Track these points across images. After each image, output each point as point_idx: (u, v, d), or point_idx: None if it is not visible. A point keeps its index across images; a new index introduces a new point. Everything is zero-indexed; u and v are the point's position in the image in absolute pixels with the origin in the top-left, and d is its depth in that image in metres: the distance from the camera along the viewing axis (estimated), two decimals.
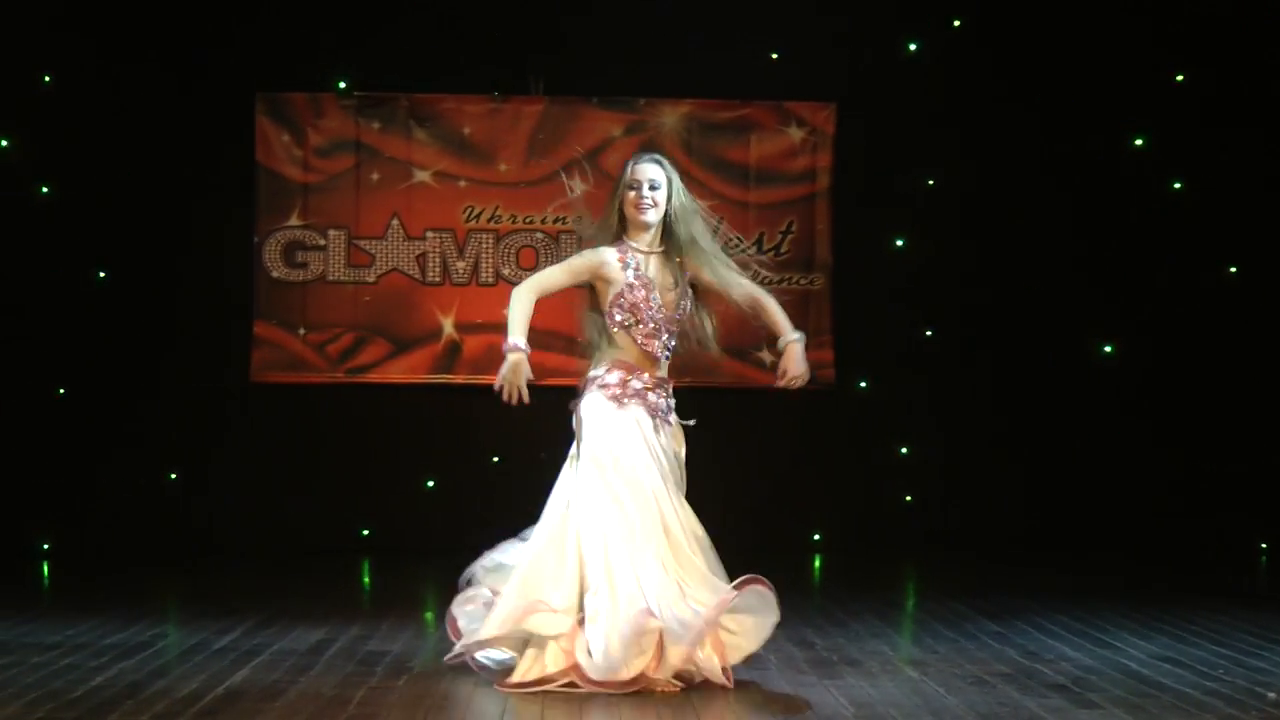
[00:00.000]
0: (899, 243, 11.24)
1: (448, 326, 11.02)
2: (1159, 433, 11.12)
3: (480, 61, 11.00)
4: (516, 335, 6.19)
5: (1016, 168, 11.08)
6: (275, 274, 10.99)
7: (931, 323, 11.22)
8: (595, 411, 6.26)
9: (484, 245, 11.09)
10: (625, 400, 6.27)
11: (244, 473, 10.93)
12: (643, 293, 6.28)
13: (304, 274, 11.01)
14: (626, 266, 6.30)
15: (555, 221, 11.06)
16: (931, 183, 11.17)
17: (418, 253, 11.05)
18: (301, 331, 10.99)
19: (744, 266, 10.85)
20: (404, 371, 11.01)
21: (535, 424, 10.90)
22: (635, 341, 6.32)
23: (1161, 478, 11.05)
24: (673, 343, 6.38)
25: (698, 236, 6.32)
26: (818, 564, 10.67)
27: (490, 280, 11.05)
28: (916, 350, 11.22)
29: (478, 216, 11.07)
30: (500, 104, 11.08)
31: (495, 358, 10.57)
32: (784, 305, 10.74)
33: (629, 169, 6.34)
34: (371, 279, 11.04)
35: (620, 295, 6.29)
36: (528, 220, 11.10)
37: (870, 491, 11.19)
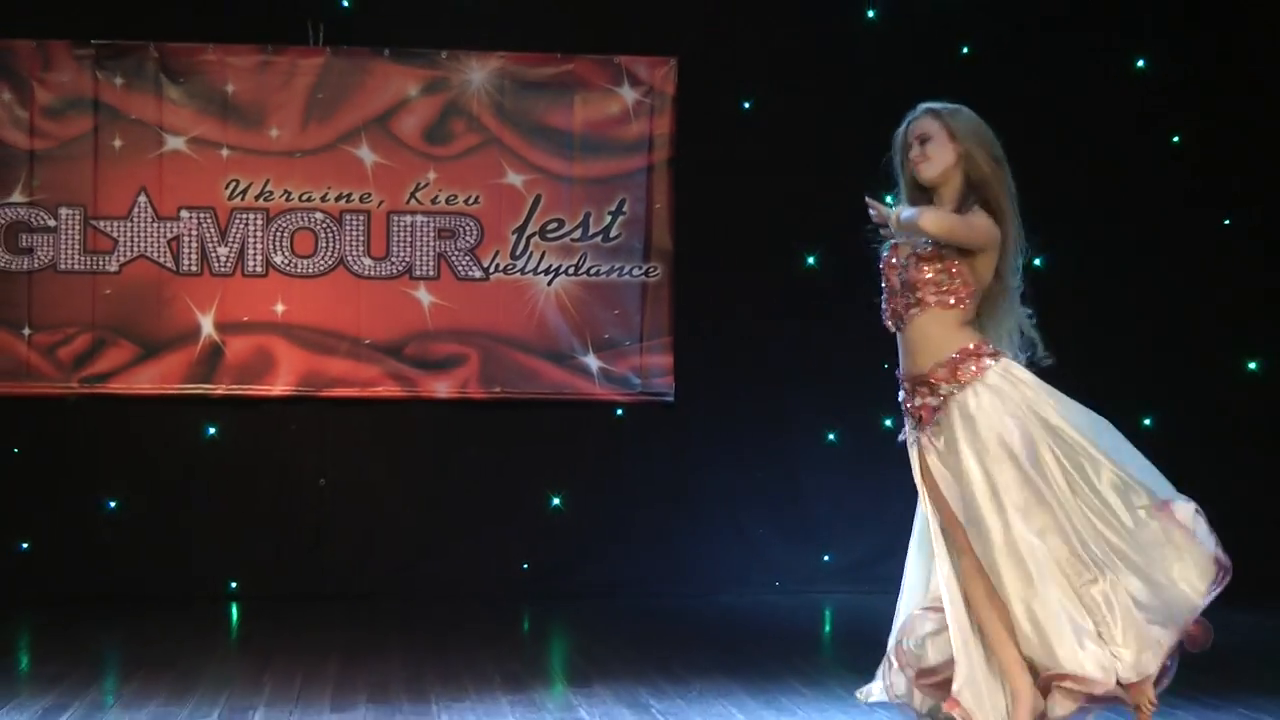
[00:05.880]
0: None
1: (207, 326, 11.22)
2: None
3: (248, 4, 11.28)
4: None
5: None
6: None
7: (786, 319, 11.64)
8: None
9: (251, 227, 11.29)
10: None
11: None
12: (885, 254, 6.46)
13: (30, 261, 11.16)
14: None
15: (338, 199, 11.33)
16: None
17: (170, 236, 11.24)
18: (26, 332, 11.14)
19: (569, 252, 11.09)
20: (153, 381, 11.21)
21: (311, 444, 11.31)
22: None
23: None
24: (913, 310, 6.30)
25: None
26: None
27: (259, 270, 11.30)
28: (773, 356, 11.65)
29: (244, 192, 11.28)
30: (272, 56, 11.31)
31: (265, 363, 11.19)
32: (615, 299, 11.36)
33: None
34: (113, 268, 11.22)
35: None
36: (305, 197, 11.33)
37: (709, 525, 11.59)
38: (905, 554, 6.40)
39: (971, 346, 6.19)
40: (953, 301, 6.21)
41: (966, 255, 6.19)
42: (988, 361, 6.17)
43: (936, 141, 6.32)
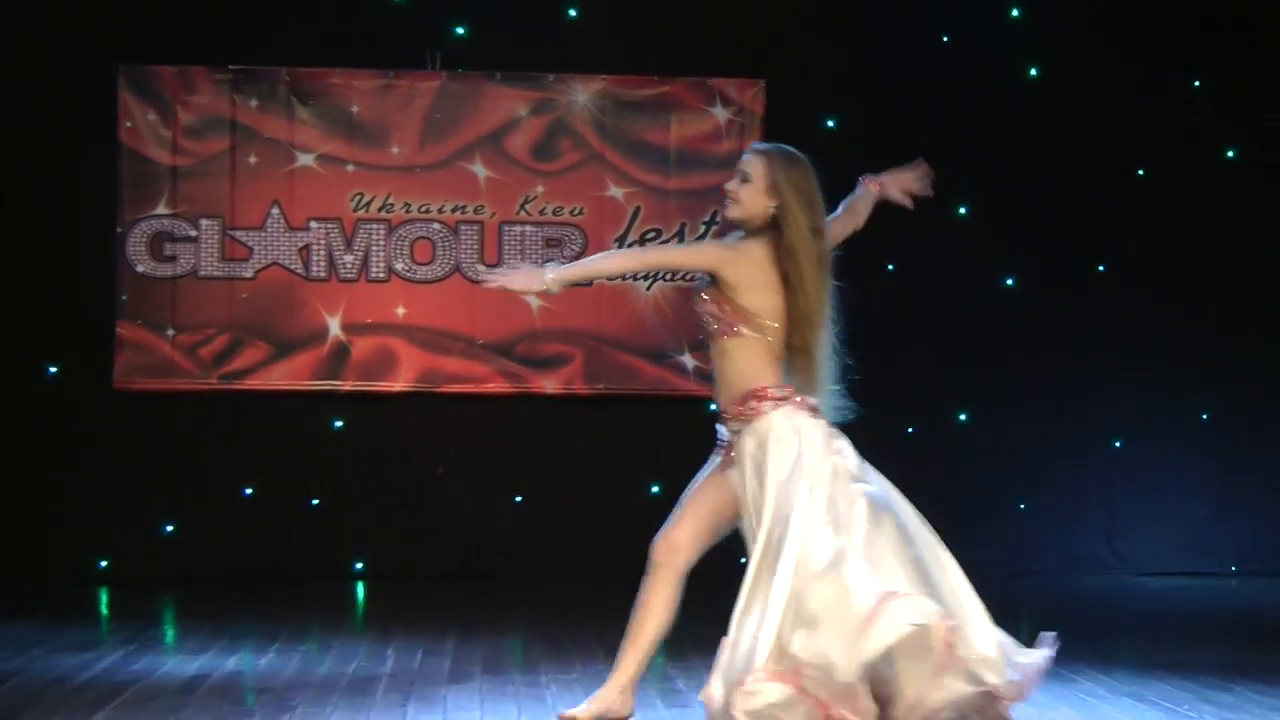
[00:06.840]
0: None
1: (334, 327, 11.56)
2: None
3: (370, 32, 11.58)
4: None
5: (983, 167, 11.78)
6: (140, 268, 11.46)
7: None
8: None
9: (375, 237, 11.61)
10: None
11: (104, 491, 11.35)
12: None
13: (173, 268, 11.48)
14: None
15: (454, 210, 11.68)
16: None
17: (300, 245, 11.57)
18: (170, 333, 11.45)
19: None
20: (285, 377, 11.54)
21: (429, 436, 11.61)
22: None
23: None
24: (708, 342, 6.23)
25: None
26: None
27: (382, 276, 11.62)
28: (852, 353, 11.89)
29: (368, 205, 11.60)
30: (393, 80, 11.64)
31: (387, 362, 11.61)
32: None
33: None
34: (249, 274, 11.54)
35: None
36: (423, 209, 11.64)
37: None
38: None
39: (758, 388, 6.00)
40: (726, 328, 6.04)
41: (728, 289, 5.99)
42: (767, 405, 5.98)
43: (753, 187, 6.09)
